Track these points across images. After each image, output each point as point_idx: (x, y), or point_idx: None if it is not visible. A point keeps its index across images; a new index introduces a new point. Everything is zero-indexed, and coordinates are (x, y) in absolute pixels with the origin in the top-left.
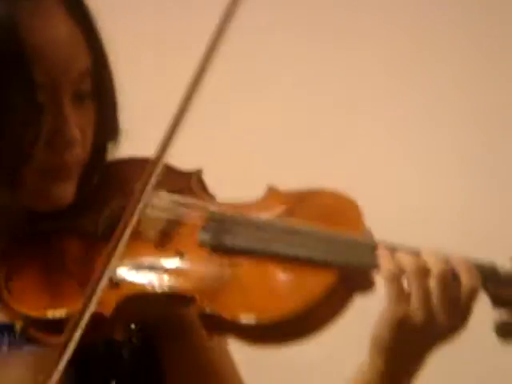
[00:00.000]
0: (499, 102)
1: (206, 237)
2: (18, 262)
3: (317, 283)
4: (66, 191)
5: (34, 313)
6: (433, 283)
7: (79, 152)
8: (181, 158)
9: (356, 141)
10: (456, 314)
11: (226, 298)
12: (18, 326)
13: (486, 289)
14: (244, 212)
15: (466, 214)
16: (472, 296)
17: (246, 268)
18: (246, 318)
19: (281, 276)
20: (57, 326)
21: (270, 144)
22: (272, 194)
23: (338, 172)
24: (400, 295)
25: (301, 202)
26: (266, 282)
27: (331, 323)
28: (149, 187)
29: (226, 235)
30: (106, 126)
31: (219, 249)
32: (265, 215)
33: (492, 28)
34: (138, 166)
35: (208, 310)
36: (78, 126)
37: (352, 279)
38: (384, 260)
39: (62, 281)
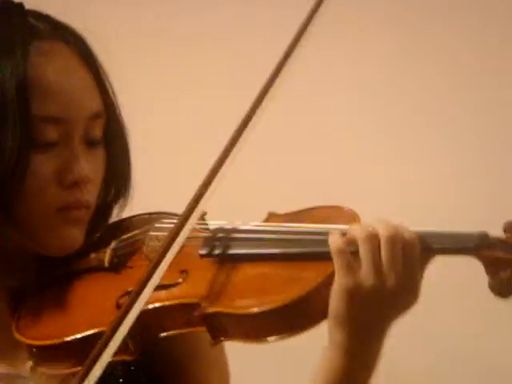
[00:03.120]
0: (496, 112)
1: (206, 250)
2: (28, 305)
3: (317, 271)
4: (78, 235)
5: (38, 342)
6: (381, 246)
7: (91, 191)
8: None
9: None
10: (406, 279)
11: (228, 297)
12: (29, 364)
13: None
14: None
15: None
16: (417, 260)
17: (246, 270)
18: (249, 309)
19: (279, 272)
20: (61, 354)
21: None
22: (272, 216)
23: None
24: (348, 266)
25: (297, 214)
26: (266, 279)
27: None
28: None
29: (225, 246)
30: (114, 180)
31: (219, 258)
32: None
33: (488, 29)
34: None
35: (211, 309)
36: (89, 167)
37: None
38: (332, 237)
39: (70, 312)
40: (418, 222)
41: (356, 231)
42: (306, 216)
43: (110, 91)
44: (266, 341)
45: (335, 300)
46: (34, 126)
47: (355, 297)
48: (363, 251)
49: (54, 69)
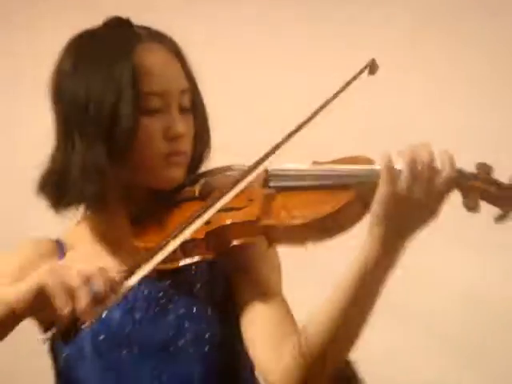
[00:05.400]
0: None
1: (269, 183)
2: (142, 224)
3: (341, 197)
4: (180, 174)
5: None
6: (421, 170)
7: (186, 143)
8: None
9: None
10: (432, 197)
11: (280, 214)
12: None
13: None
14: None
15: None
16: (447, 184)
17: (295, 196)
18: (295, 221)
19: (317, 196)
20: None
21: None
22: (315, 163)
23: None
24: (392, 179)
25: (334, 162)
26: (308, 200)
27: (350, 227)
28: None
29: (281, 180)
30: (202, 137)
31: (276, 189)
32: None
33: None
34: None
35: (266, 222)
36: (183, 126)
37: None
38: (384, 155)
39: (169, 227)
40: None
41: (401, 153)
42: (340, 162)
43: (192, 76)
44: (307, 244)
45: (377, 202)
46: (143, 99)
47: (392, 202)
48: (406, 170)
49: (154, 59)
